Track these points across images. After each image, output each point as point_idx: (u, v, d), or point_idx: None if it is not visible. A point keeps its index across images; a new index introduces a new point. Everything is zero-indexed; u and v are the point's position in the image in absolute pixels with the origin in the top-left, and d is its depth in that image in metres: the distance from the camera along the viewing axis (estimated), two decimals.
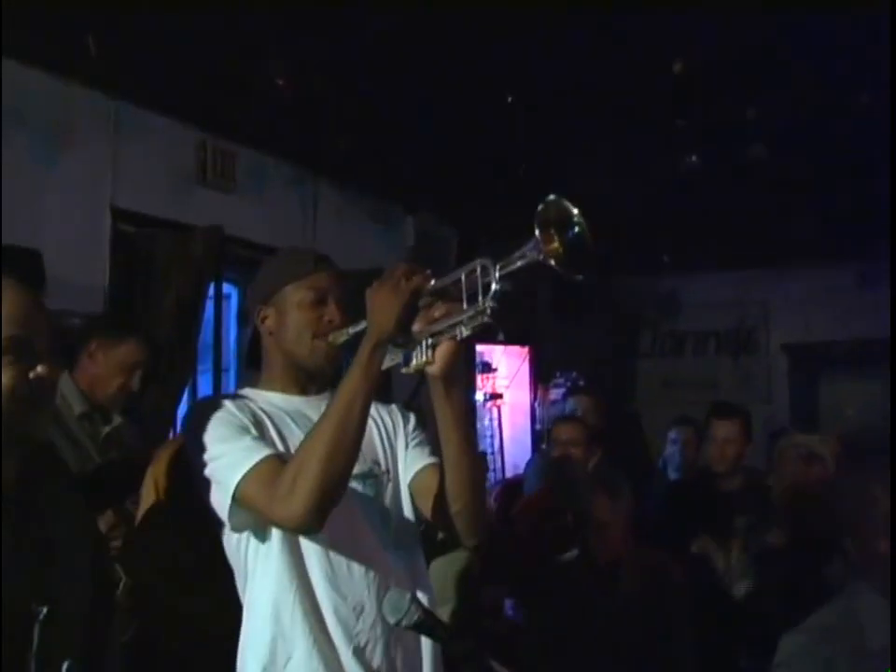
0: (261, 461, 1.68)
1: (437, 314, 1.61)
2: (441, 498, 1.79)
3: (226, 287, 4.71)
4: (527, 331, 6.43)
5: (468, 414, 1.73)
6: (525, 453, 6.55)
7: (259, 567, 1.78)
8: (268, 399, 1.86)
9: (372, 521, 1.82)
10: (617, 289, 7.69)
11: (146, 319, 3.67)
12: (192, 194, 4.27)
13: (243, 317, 4.89)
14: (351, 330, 1.77)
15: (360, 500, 1.81)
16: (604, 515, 2.90)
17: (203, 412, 1.80)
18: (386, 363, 1.70)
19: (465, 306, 1.56)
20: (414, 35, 3.44)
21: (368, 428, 1.82)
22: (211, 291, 4.31)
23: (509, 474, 6.53)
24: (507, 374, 7.09)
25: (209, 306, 4.28)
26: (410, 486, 1.88)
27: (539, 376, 6.99)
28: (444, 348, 1.63)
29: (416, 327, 1.63)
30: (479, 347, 6.64)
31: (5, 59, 3.29)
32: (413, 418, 1.99)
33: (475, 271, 1.55)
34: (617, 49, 3.61)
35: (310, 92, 3.83)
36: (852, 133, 4.25)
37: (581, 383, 6.06)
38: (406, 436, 1.94)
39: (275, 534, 1.76)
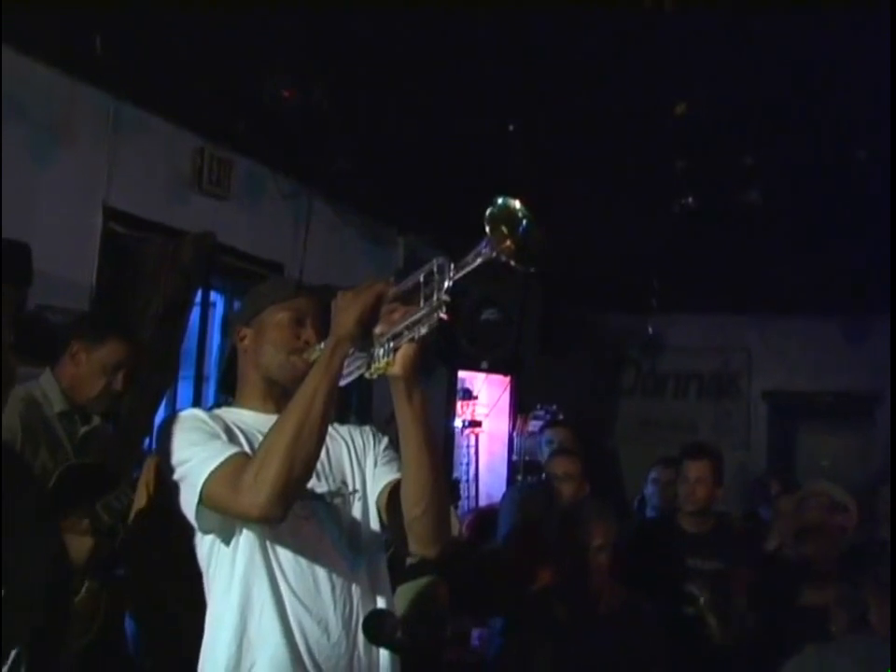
0: (228, 458, 1.73)
1: (396, 316, 1.68)
2: (400, 499, 1.82)
3: (213, 295, 4.70)
4: (511, 361, 6.43)
5: (428, 416, 1.78)
6: (501, 482, 6.53)
7: (225, 573, 1.79)
8: (241, 416, 1.90)
9: (338, 538, 1.85)
10: (602, 326, 7.72)
11: (130, 321, 3.64)
12: (186, 200, 4.27)
13: (228, 325, 4.88)
14: (325, 347, 1.79)
15: (327, 518, 1.84)
16: (599, 539, 2.94)
17: (175, 421, 1.84)
18: (354, 372, 1.78)
19: (421, 304, 1.63)
20: (418, 55, 3.46)
21: (338, 449, 1.92)
22: (198, 298, 4.29)
23: (483, 502, 6.50)
24: (487, 402, 7.07)
25: (195, 313, 4.27)
26: (377, 503, 1.91)
27: (520, 407, 6.98)
28: (404, 349, 1.68)
29: (378, 330, 1.70)
30: (461, 374, 6.64)
31: (5, 48, 3.28)
32: (385, 439, 2.01)
33: (433, 272, 1.61)
34: (618, 87, 3.64)
35: (312, 107, 3.83)
36: (849, 187, 4.30)
37: (561, 416, 6.06)
38: (376, 456, 1.96)
39: (243, 541, 1.79)
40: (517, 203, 1.54)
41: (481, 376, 6.95)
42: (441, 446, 1.92)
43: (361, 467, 1.94)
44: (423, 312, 1.63)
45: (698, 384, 8.02)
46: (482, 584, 3.24)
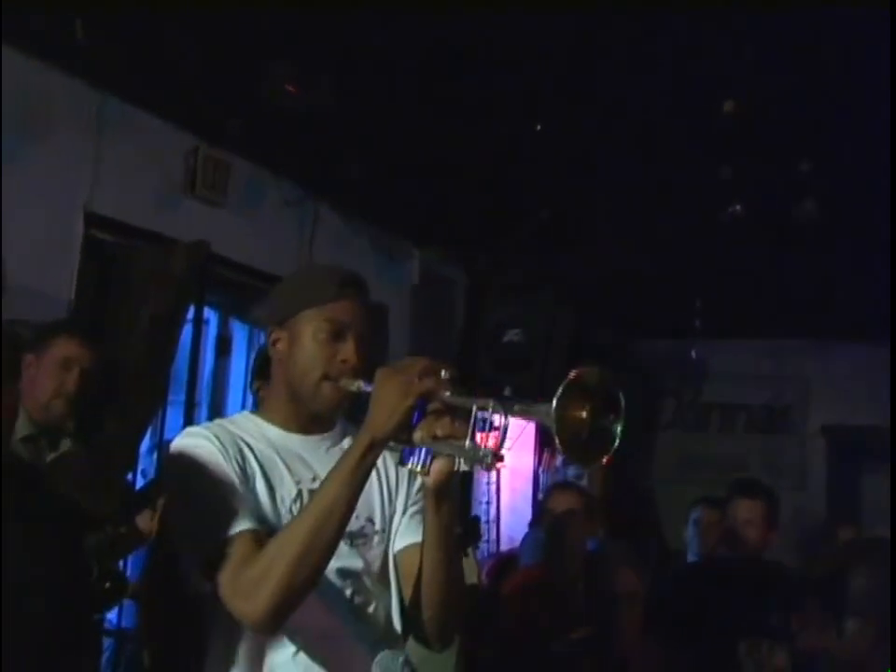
0: (234, 537, 1.72)
1: (440, 432, 1.65)
2: (417, 590, 1.86)
3: (206, 312, 4.70)
4: (537, 388, 6.38)
5: (454, 528, 1.82)
6: (524, 523, 6.47)
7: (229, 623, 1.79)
8: (264, 431, 1.90)
9: (356, 583, 1.86)
10: (638, 352, 7.68)
11: (114, 338, 3.64)
12: (178, 205, 4.28)
13: (222, 346, 4.89)
14: (365, 387, 1.78)
15: (346, 562, 1.85)
16: (629, 587, 2.89)
17: (185, 455, 1.83)
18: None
19: (467, 442, 1.62)
20: (439, 45, 3.46)
21: (368, 480, 1.87)
22: (189, 314, 4.29)
23: (504, 547, 6.44)
24: (510, 434, 6.99)
25: (186, 330, 4.26)
26: (396, 557, 1.93)
27: (546, 439, 6.92)
28: (440, 464, 1.69)
29: (417, 435, 1.67)
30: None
31: None
32: (419, 480, 1.95)
33: (487, 407, 1.61)
34: (655, 85, 3.63)
35: (319, 103, 3.84)
36: None
37: None
38: (407, 497, 1.97)
39: None
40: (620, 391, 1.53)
41: None
42: (459, 558, 2.02)
43: (391, 504, 1.95)
44: (468, 451, 1.62)
45: (746, 417, 7.97)
46: (500, 643, 3.20)
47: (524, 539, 3.87)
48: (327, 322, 1.88)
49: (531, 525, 5.17)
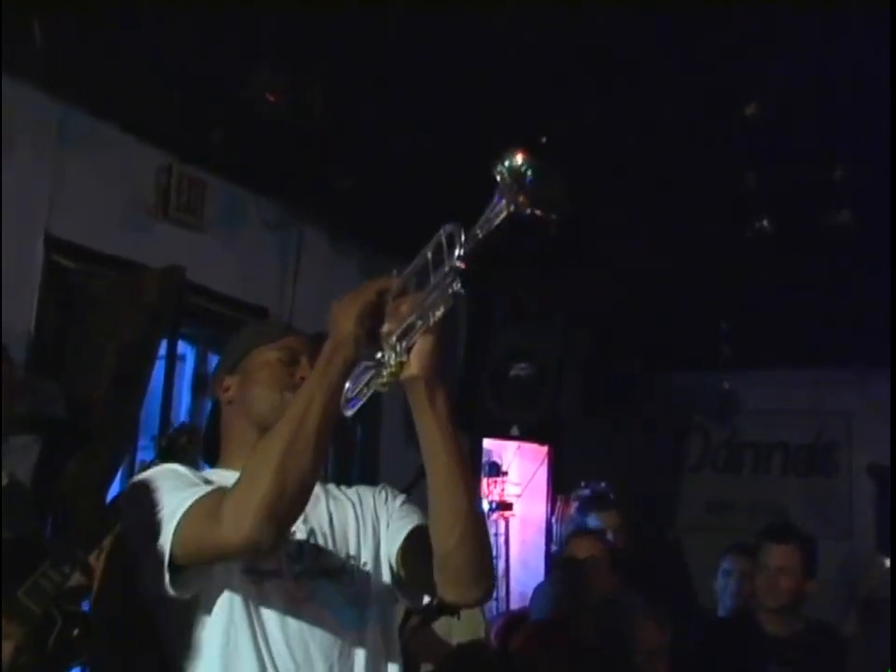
0: (205, 494, 1.78)
1: (404, 308, 1.73)
2: (431, 553, 1.85)
3: (181, 346, 4.70)
4: (548, 427, 6.39)
5: (455, 423, 1.82)
6: (537, 579, 6.44)
7: (204, 649, 1.85)
8: (230, 477, 1.92)
9: (341, 622, 1.90)
10: (662, 384, 7.66)
11: (78, 374, 3.65)
12: (149, 229, 4.29)
13: (199, 383, 4.89)
14: (322, 353, 1.83)
15: (329, 600, 1.91)
16: (653, 643, 2.89)
17: (144, 479, 1.91)
18: (363, 392, 1.81)
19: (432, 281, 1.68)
20: (434, 49, 3.50)
21: (343, 514, 2.02)
22: (163, 349, 4.29)
23: (515, 604, 6.41)
24: (520, 480, 7.01)
25: (158, 366, 4.26)
26: (394, 561, 1.97)
27: (560, 485, 6.91)
28: (420, 344, 1.74)
29: (385, 328, 1.76)
30: (487, 443, 6.60)
31: None
32: (402, 497, 2.09)
33: (441, 244, 1.66)
34: (672, 85, 3.66)
35: (303, 115, 3.87)
36: None
37: (612, 496, 6.00)
38: (389, 516, 2.03)
39: (223, 621, 1.85)
40: (519, 158, 1.58)
41: (511, 446, 6.90)
42: (471, 465, 2.10)
43: (374, 533, 2.01)
44: (434, 291, 1.67)
45: (784, 456, 7.92)
46: None
47: (535, 591, 3.87)
48: (279, 351, 2.06)
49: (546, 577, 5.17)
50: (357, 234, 5.32)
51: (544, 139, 4.07)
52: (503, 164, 1.57)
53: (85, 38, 3.39)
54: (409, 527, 1.98)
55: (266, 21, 3.37)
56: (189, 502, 1.77)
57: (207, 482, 1.91)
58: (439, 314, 1.69)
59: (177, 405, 4.72)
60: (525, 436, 6.39)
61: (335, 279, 5.25)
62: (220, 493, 1.76)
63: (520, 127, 3.95)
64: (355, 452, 5.21)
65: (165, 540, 1.76)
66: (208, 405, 4.93)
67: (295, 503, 1.72)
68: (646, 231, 4.93)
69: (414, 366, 1.75)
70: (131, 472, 4.19)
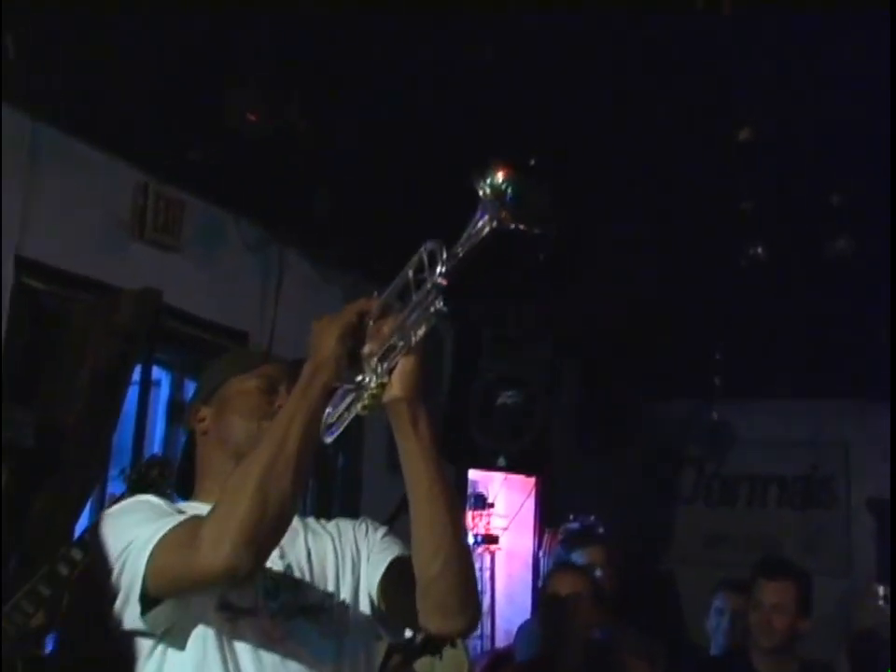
0: (180, 523, 1.77)
1: (385, 329, 1.74)
2: (413, 584, 1.85)
3: (156, 372, 4.69)
4: (536, 458, 6.37)
5: (438, 447, 1.82)
6: (524, 615, 6.41)
7: None
8: (202, 510, 1.92)
9: (318, 662, 1.89)
10: (654, 414, 7.67)
11: (49, 400, 3.63)
12: (124, 250, 4.28)
13: (175, 411, 4.87)
14: (302, 374, 1.85)
15: (306, 639, 1.90)
16: None
17: (115, 509, 1.92)
18: (344, 416, 1.81)
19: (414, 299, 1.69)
20: (421, 65, 3.51)
21: (322, 549, 2.02)
22: (137, 375, 4.28)
23: (500, 642, 6.37)
24: (506, 512, 6.99)
25: (132, 392, 4.25)
26: (377, 595, 1.97)
27: (548, 518, 6.89)
28: (402, 364, 1.75)
29: (367, 350, 1.77)
30: (472, 474, 6.58)
31: None
32: (383, 529, 2.09)
33: (422, 262, 1.67)
34: (664, 109, 3.68)
35: (285, 133, 3.87)
36: None
37: (601, 530, 5.99)
38: (370, 545, 2.03)
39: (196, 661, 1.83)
40: (500, 176, 1.60)
41: (497, 477, 6.88)
42: (456, 489, 2.11)
43: (354, 567, 2.01)
44: (415, 310, 1.68)
45: (780, 489, 7.94)
46: None
47: (519, 631, 3.85)
48: (257, 379, 2.07)
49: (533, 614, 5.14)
50: (340, 257, 5.32)
51: (532, 161, 4.10)
52: (484, 180, 1.59)
53: (60, 53, 3.38)
54: (389, 559, 1.98)
55: (248, 37, 3.38)
56: (164, 531, 1.77)
57: (182, 512, 1.91)
58: (421, 333, 1.70)
59: (151, 433, 4.71)
60: (512, 467, 6.37)
61: (317, 304, 5.24)
62: (196, 520, 1.76)
63: (509, 148, 3.98)
64: (336, 480, 5.19)
65: (138, 571, 1.75)
66: (183, 435, 4.95)
67: (275, 528, 1.72)
68: (638, 257, 4.94)
69: (396, 387, 1.75)
70: (101, 505, 4.17)
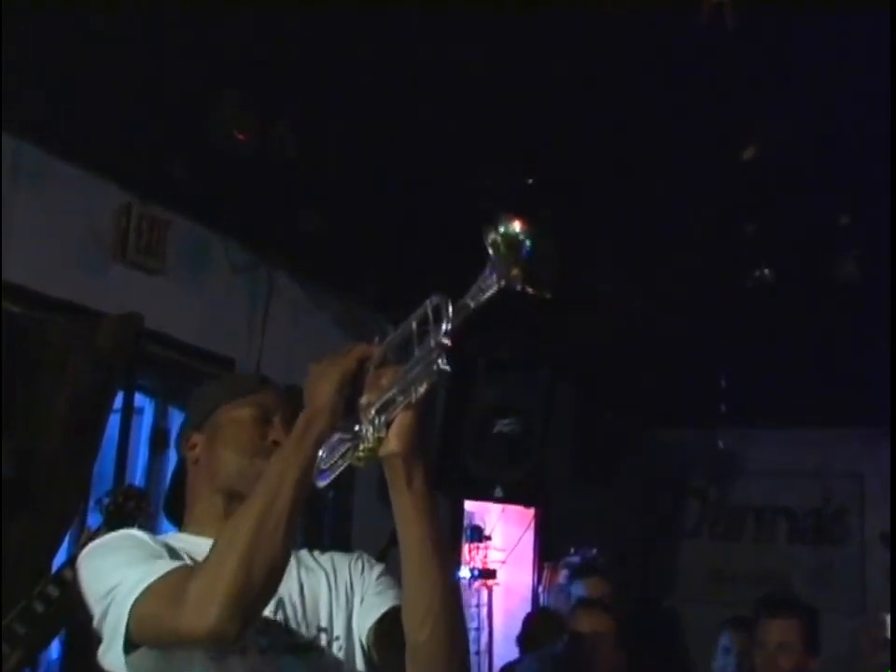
0: (169, 571, 1.77)
1: (385, 381, 1.75)
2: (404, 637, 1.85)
3: (139, 399, 4.69)
4: (534, 489, 6.36)
5: (435, 506, 1.83)
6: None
7: None
8: (194, 544, 1.97)
9: None
10: (656, 444, 7.67)
11: (26, 428, 3.63)
12: (106, 272, 4.29)
13: (158, 439, 4.86)
14: (297, 424, 1.85)
15: None
16: None
17: (100, 545, 1.92)
18: (338, 464, 1.83)
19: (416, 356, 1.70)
20: (414, 82, 3.51)
21: (316, 584, 2.03)
22: (118, 402, 4.28)
23: None
24: (504, 545, 6.98)
25: (113, 420, 4.25)
26: (366, 641, 1.97)
27: (547, 551, 6.88)
28: (400, 419, 1.75)
29: (364, 401, 1.78)
30: (468, 506, 6.58)
31: None
32: (380, 567, 2.09)
33: (427, 315, 1.69)
34: (665, 127, 3.69)
35: (274, 153, 3.88)
36: None
37: (603, 563, 5.99)
38: (366, 589, 2.03)
39: None
40: (518, 226, 1.60)
41: (495, 508, 6.89)
42: (450, 549, 2.10)
43: (348, 605, 2.01)
44: (418, 366, 1.69)
45: (789, 522, 7.94)
46: None
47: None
48: (251, 407, 2.07)
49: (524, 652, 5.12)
50: (331, 280, 5.33)
51: (530, 181, 4.13)
52: (496, 236, 1.60)
53: (39, 69, 3.39)
54: (384, 608, 1.97)
55: (235, 52, 3.39)
56: (151, 579, 1.76)
57: (169, 548, 1.91)
58: (421, 390, 1.71)
59: (133, 463, 4.69)
60: (509, 498, 6.35)
61: (307, 329, 5.26)
62: (185, 572, 1.76)
63: (506, 169, 4.00)
64: (326, 511, 5.18)
65: (122, 617, 1.75)
66: (167, 464, 4.94)
67: (263, 592, 1.72)
68: (639, 279, 4.95)
69: (393, 442, 1.76)
70: (79, 538, 4.17)
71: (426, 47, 3.27)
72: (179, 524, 2.14)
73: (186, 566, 1.82)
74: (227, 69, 3.49)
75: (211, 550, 1.75)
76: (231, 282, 4.91)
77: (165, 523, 2.31)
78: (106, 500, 3.28)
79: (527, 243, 1.59)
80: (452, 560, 1.99)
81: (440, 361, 1.65)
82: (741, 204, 4.12)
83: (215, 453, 2.05)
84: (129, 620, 1.74)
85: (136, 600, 1.74)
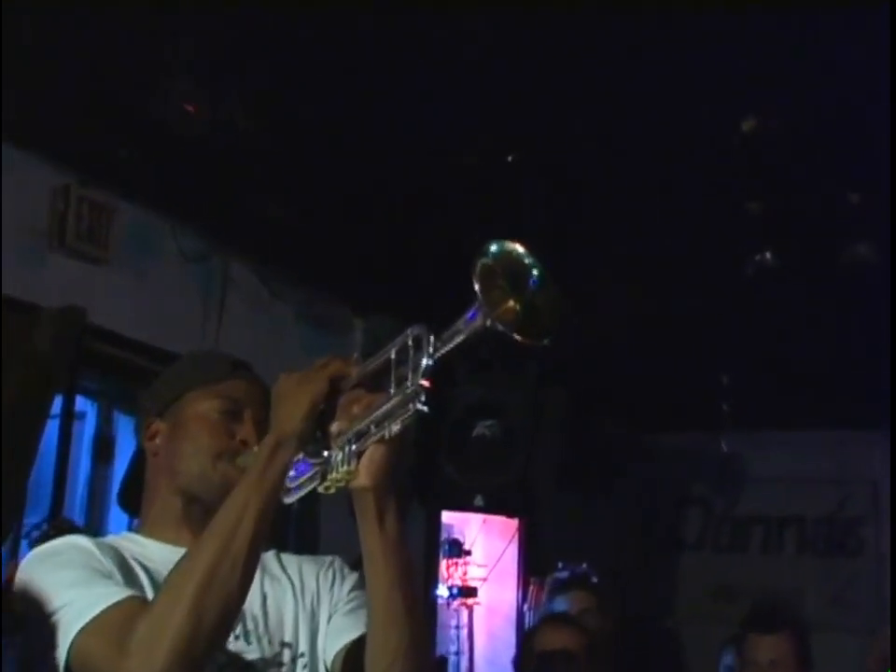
0: (117, 603, 1.76)
1: (356, 409, 1.76)
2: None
3: (80, 402, 4.67)
4: (519, 497, 6.37)
5: (405, 545, 1.85)
6: None
7: None
8: (146, 548, 1.99)
9: None
10: (653, 449, 7.69)
11: None
12: (43, 262, 4.28)
13: (103, 448, 4.85)
14: (261, 448, 1.86)
15: None
16: None
17: (44, 556, 1.92)
18: (304, 485, 1.86)
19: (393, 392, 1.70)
20: (382, 50, 3.52)
21: (280, 595, 2.03)
22: (57, 406, 4.26)
23: None
24: (486, 560, 6.99)
25: (51, 427, 4.23)
26: (333, 669, 1.97)
27: (533, 566, 6.89)
28: (371, 453, 1.77)
29: (335, 427, 1.79)
30: (446, 516, 6.58)
31: None
32: (353, 578, 2.09)
33: (407, 346, 1.68)
34: (661, 101, 3.71)
35: (227, 128, 3.87)
36: None
37: (595, 579, 6.00)
38: (334, 604, 2.03)
39: None
40: (519, 248, 1.60)
41: (476, 519, 6.88)
42: (421, 589, 2.13)
43: (314, 620, 2.02)
44: (394, 401, 1.70)
45: (799, 533, 7.96)
46: None
47: None
48: (219, 399, 2.06)
49: None
50: (292, 270, 5.33)
51: (510, 157, 4.13)
52: (491, 255, 1.59)
53: None
54: (353, 634, 1.97)
55: (184, 21, 3.39)
56: (98, 610, 1.75)
57: (120, 558, 1.90)
58: (396, 428, 1.72)
59: (75, 473, 4.68)
60: (491, 507, 6.36)
61: (266, 323, 5.26)
62: (134, 607, 1.75)
63: (485, 145, 4.01)
64: (291, 520, 5.16)
65: (63, 644, 1.76)
66: (112, 475, 4.92)
67: (214, 637, 1.73)
68: (630, 269, 4.96)
69: (364, 475, 1.77)
70: (14, 555, 4.15)
71: (380, 17, 3.29)
72: (135, 513, 2.15)
73: (135, 597, 1.80)
74: (174, 38, 3.48)
75: (164, 586, 1.75)
76: (183, 272, 4.90)
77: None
78: (36, 534, 3.26)
79: (532, 274, 1.60)
80: (419, 601, 1.99)
81: (417, 400, 1.65)
82: (747, 197, 4.13)
83: (177, 448, 2.04)
84: (70, 649, 1.74)
85: (82, 629, 1.74)
